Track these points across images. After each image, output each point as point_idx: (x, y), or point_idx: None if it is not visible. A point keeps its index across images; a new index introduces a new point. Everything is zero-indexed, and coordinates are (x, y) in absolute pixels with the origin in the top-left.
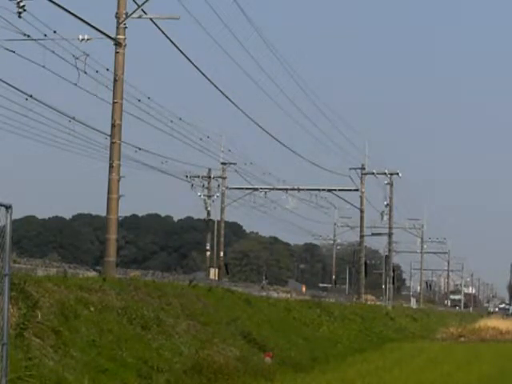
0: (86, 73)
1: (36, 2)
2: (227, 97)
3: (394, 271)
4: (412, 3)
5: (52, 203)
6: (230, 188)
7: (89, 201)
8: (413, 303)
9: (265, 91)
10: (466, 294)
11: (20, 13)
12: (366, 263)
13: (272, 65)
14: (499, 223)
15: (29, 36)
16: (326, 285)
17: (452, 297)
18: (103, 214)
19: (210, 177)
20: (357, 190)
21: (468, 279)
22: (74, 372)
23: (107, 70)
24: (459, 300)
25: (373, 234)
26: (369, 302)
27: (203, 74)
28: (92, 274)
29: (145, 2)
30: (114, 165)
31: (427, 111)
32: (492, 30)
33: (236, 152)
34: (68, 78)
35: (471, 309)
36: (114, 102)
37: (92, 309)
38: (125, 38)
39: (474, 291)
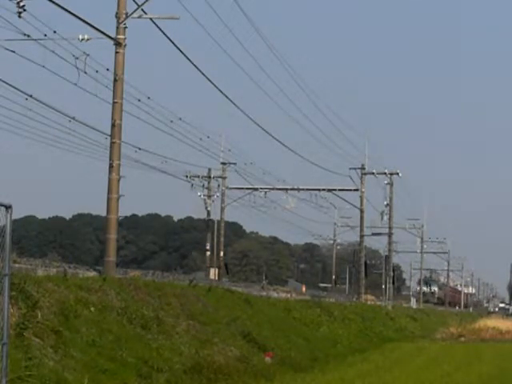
0: (86, 73)
1: (36, 2)
2: (227, 97)
3: (394, 271)
4: (412, 3)
5: (52, 203)
6: (230, 188)
7: (89, 201)
8: (413, 303)
9: (265, 91)
10: (442, 285)
11: (20, 13)
12: (365, 263)
13: (272, 65)
14: (499, 223)
15: (29, 36)
16: (326, 285)
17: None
18: (103, 213)
19: (210, 177)
20: (357, 189)
21: (468, 279)
22: (73, 372)
23: (107, 70)
24: (432, 293)
25: (373, 234)
26: (369, 302)
27: (203, 74)
28: (92, 273)
29: (145, 2)
30: (114, 165)
31: (427, 111)
32: (492, 30)
33: (236, 152)
34: (68, 78)
35: (471, 309)
36: (114, 102)
37: (92, 309)
38: (125, 38)
39: (473, 291)
